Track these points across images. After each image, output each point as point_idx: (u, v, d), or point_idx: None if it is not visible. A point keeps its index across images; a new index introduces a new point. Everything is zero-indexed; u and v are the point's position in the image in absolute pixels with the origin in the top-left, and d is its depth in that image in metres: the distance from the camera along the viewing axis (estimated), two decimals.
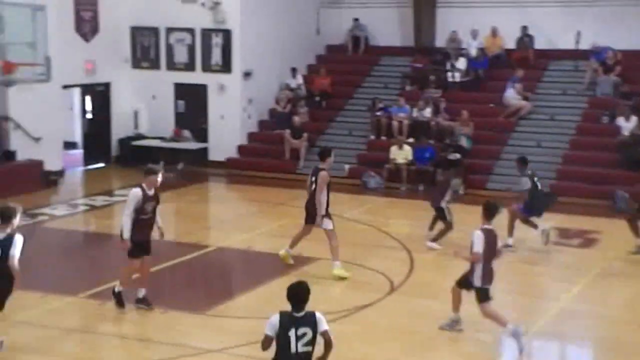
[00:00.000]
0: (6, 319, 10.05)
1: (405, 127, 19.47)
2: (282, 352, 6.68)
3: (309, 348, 6.73)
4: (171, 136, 20.49)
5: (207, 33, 20.33)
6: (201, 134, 20.63)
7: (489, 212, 9.44)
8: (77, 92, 20.98)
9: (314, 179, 11.85)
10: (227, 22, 20.11)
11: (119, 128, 20.85)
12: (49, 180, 17.84)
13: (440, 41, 21.84)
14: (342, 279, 11.73)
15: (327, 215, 11.84)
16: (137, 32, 20.87)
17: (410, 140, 19.24)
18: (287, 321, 6.70)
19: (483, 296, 9.38)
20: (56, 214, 15.69)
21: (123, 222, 9.99)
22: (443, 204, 13.48)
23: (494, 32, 21.06)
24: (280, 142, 20.01)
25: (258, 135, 20.98)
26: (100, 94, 20.74)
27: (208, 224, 15.96)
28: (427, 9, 21.85)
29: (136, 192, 10.03)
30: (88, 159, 20.60)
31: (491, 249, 9.38)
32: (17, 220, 8.82)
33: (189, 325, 10.08)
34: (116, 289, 10.33)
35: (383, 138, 19.79)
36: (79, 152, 20.93)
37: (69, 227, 15.00)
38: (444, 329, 9.83)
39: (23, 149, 17.68)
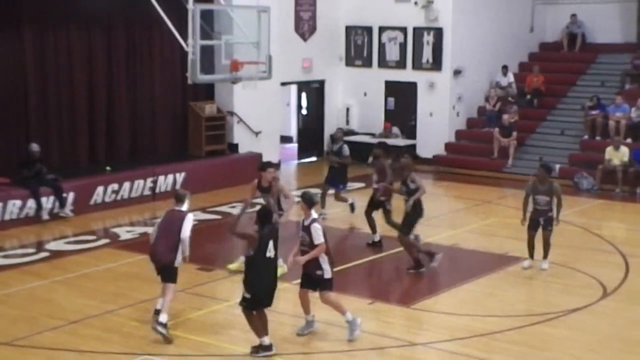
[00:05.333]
0: (230, 299, 10.89)
1: (623, 128, 18.61)
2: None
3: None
4: (381, 132, 20.98)
5: (419, 31, 20.57)
6: (410, 131, 20.94)
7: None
8: (294, 89, 22.04)
9: None
10: (439, 20, 20.24)
11: (332, 123, 21.63)
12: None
13: None
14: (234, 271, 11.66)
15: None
16: (351, 31, 21.54)
17: (629, 141, 18.39)
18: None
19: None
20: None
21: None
22: None
23: None
24: (489, 140, 19.86)
25: (466, 133, 20.94)
26: (315, 90, 21.67)
27: None
28: None
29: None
30: (302, 152, 21.58)
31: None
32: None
33: (394, 317, 10.37)
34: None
35: (598, 138, 19.05)
36: (294, 146, 21.98)
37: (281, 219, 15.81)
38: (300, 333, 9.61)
39: (244, 142, 18.90)
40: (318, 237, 9.19)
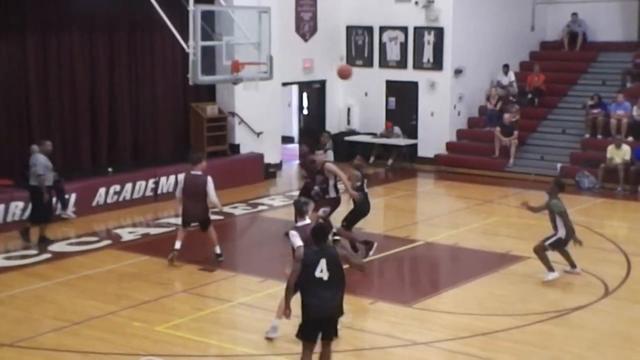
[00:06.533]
0: (232, 300, 10.97)
1: (624, 126, 18.64)
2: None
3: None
4: (382, 132, 21.02)
5: (419, 31, 20.59)
6: (411, 131, 20.97)
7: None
8: (295, 89, 22.08)
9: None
10: (439, 19, 20.27)
11: (333, 124, 21.69)
12: (268, 172, 18.97)
13: None
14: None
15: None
16: (352, 31, 21.58)
17: (630, 139, 18.42)
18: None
19: None
20: (274, 205, 16.66)
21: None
22: None
23: None
24: (490, 139, 19.89)
25: (467, 133, 20.97)
26: (316, 91, 21.71)
27: (416, 219, 16.23)
28: None
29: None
30: None
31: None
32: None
33: (396, 316, 10.38)
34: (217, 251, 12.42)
35: (599, 137, 19.07)
36: (295, 147, 22.01)
37: (285, 217, 15.86)
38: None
39: (246, 143, 18.94)
40: (294, 244, 8.89)
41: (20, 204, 14.35)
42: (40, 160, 13.31)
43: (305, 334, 7.90)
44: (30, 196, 13.57)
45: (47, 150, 13.53)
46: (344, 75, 13.05)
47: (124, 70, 17.36)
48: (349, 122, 21.80)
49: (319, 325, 7.85)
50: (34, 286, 11.38)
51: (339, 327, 8.09)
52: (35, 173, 13.26)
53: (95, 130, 16.99)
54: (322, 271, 7.69)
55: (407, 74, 20.91)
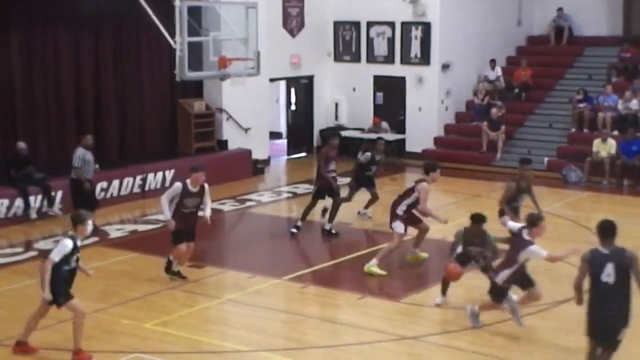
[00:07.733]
0: (221, 296, 10.95)
1: (609, 120, 18.73)
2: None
3: None
4: (370, 127, 21.02)
5: (407, 26, 20.60)
6: (399, 126, 20.99)
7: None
8: (282, 85, 22.05)
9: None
10: (427, 14, 20.28)
11: (321, 119, 21.70)
12: (257, 168, 18.95)
13: None
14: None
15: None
16: (339, 27, 21.57)
17: (616, 133, 18.50)
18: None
19: None
20: (262, 200, 16.64)
21: (161, 205, 10.81)
22: None
23: None
24: (477, 134, 19.94)
25: (455, 127, 21.00)
26: (304, 86, 21.69)
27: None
28: None
29: (177, 185, 10.74)
30: (291, 148, 21.60)
31: None
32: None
33: (385, 311, 10.40)
34: (174, 268, 11.28)
35: (585, 131, 19.15)
36: (283, 142, 22.01)
37: (273, 213, 15.87)
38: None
39: (234, 139, 18.90)
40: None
41: (6, 202, 14.27)
42: (77, 154, 13.65)
43: (589, 336, 7.65)
44: (70, 188, 13.87)
45: (87, 144, 13.79)
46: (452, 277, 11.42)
47: (110, 66, 17.28)
48: (336, 117, 21.80)
49: (598, 334, 7.51)
50: (20, 284, 11.33)
51: (620, 337, 7.45)
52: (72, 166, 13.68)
53: (81, 127, 16.88)
54: (609, 276, 7.24)
55: (394, 69, 20.93)
